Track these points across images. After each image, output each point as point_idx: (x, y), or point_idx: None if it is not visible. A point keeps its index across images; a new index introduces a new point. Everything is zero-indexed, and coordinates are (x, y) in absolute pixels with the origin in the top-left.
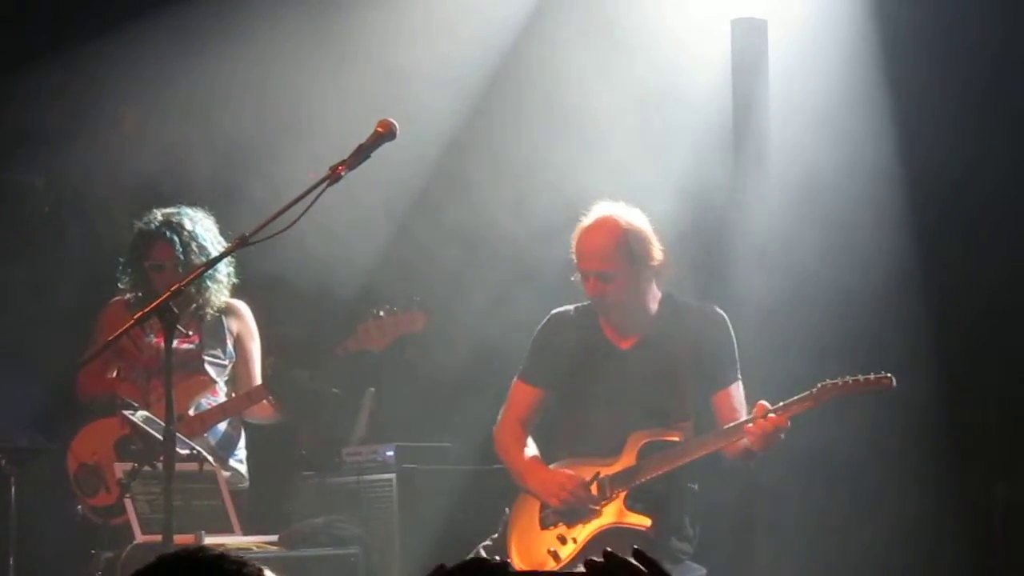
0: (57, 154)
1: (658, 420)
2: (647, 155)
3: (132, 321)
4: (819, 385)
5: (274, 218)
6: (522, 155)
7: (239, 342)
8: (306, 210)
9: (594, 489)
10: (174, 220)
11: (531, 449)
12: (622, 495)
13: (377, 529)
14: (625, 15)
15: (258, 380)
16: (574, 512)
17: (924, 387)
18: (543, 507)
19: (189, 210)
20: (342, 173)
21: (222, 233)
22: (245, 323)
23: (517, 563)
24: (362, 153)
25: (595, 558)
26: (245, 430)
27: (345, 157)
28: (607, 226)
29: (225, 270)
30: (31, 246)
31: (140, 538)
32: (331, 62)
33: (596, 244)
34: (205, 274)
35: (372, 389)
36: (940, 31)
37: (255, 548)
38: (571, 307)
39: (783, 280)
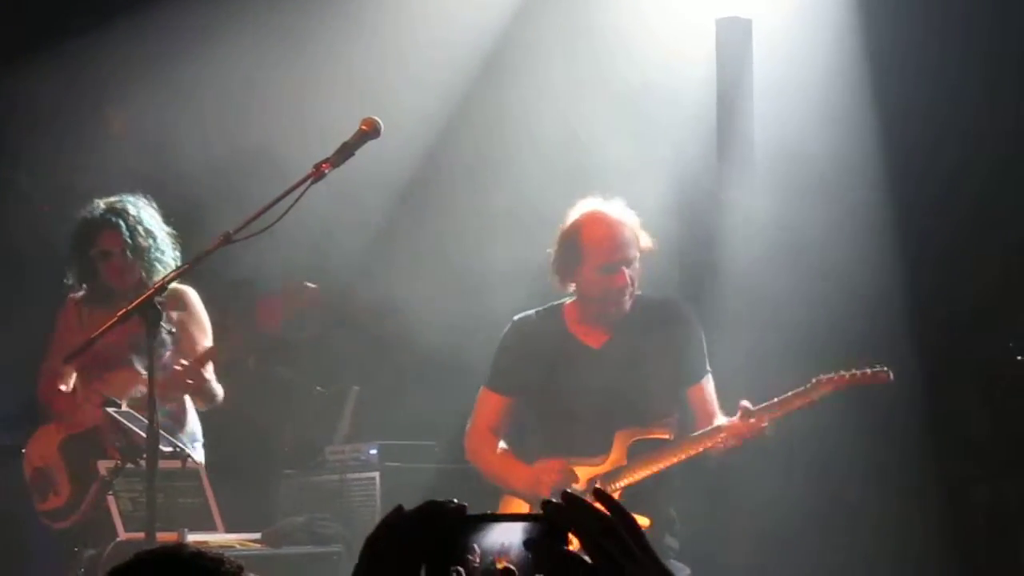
0: (41, 151)
1: (641, 417)
2: (632, 154)
3: (115, 318)
4: (814, 380)
5: (257, 216)
6: (506, 154)
7: (181, 329)
8: (289, 208)
9: (585, 486)
10: (118, 207)
11: (509, 452)
12: (616, 495)
13: (360, 527)
14: (610, 14)
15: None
16: None
17: (906, 388)
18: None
19: (131, 197)
20: (326, 171)
21: (209, 233)
22: (189, 310)
23: None
24: (346, 151)
25: (555, 500)
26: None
27: (329, 155)
28: (618, 218)
29: (171, 254)
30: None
31: (123, 535)
32: (315, 61)
33: (618, 234)
34: (151, 260)
35: (356, 387)
36: (925, 29)
37: (238, 546)
38: (532, 312)
39: (767, 277)
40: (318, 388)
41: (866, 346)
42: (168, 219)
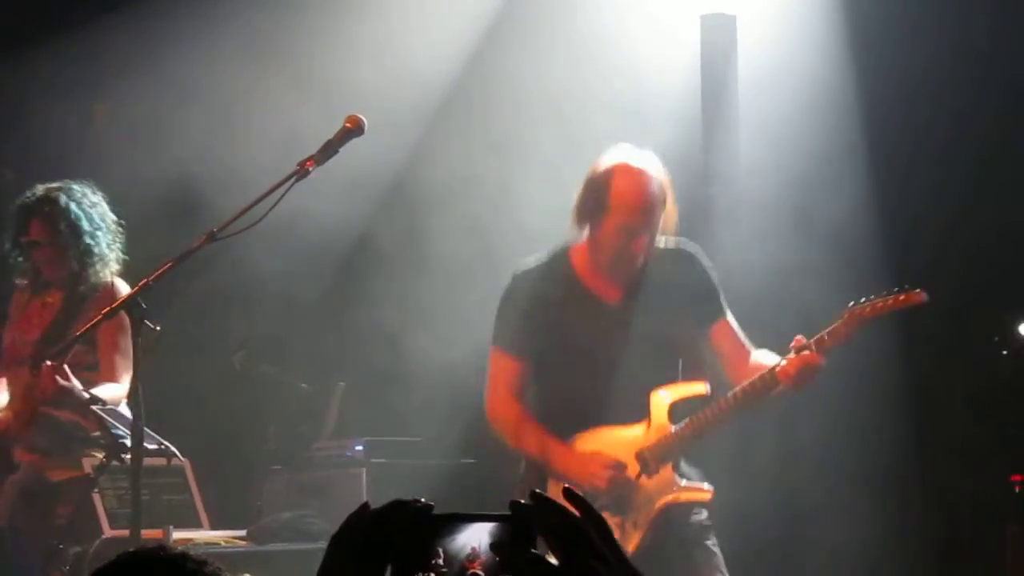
0: (26, 146)
1: (672, 372)
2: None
3: (99, 316)
4: (847, 311)
5: (241, 214)
6: (492, 154)
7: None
8: (273, 206)
9: (636, 464)
10: (51, 195)
11: (543, 424)
12: (669, 467)
13: None
14: (594, 11)
15: (114, 367)
16: (619, 495)
17: (893, 382)
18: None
19: (75, 185)
20: (310, 168)
21: (188, 232)
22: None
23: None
24: (330, 149)
25: (522, 500)
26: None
27: (313, 152)
28: (653, 178)
29: (110, 246)
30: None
31: (108, 533)
32: (293, 65)
33: (647, 196)
34: (83, 251)
35: (342, 383)
36: (909, 24)
37: (223, 543)
38: (533, 264)
39: (752, 272)
40: (303, 385)
41: (850, 344)
42: (161, 213)
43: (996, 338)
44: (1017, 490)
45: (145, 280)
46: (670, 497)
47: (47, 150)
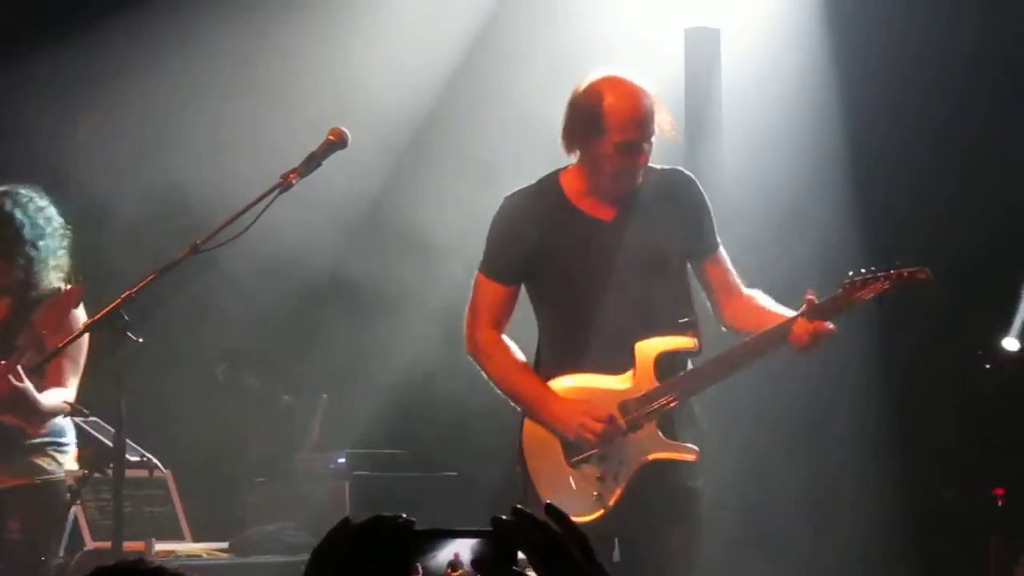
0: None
1: (660, 318)
2: None
3: (83, 328)
4: (846, 283)
5: (225, 225)
6: (475, 166)
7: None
8: (257, 218)
9: (621, 416)
10: None
11: (526, 363)
12: (655, 423)
13: None
14: (578, 24)
15: (61, 372)
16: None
17: (876, 391)
18: (563, 440)
19: (22, 189)
20: (293, 181)
21: (172, 243)
22: (58, 312)
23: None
24: (313, 161)
25: (504, 516)
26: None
27: (296, 165)
28: (645, 92)
29: (56, 251)
30: None
31: (90, 544)
32: (283, 71)
33: (643, 110)
34: (32, 256)
35: (325, 396)
36: (892, 39)
37: (205, 555)
38: (523, 189)
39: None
40: (286, 397)
41: (836, 354)
42: (148, 222)
43: (979, 351)
44: (1000, 502)
45: (128, 292)
46: (653, 455)
47: (33, 158)
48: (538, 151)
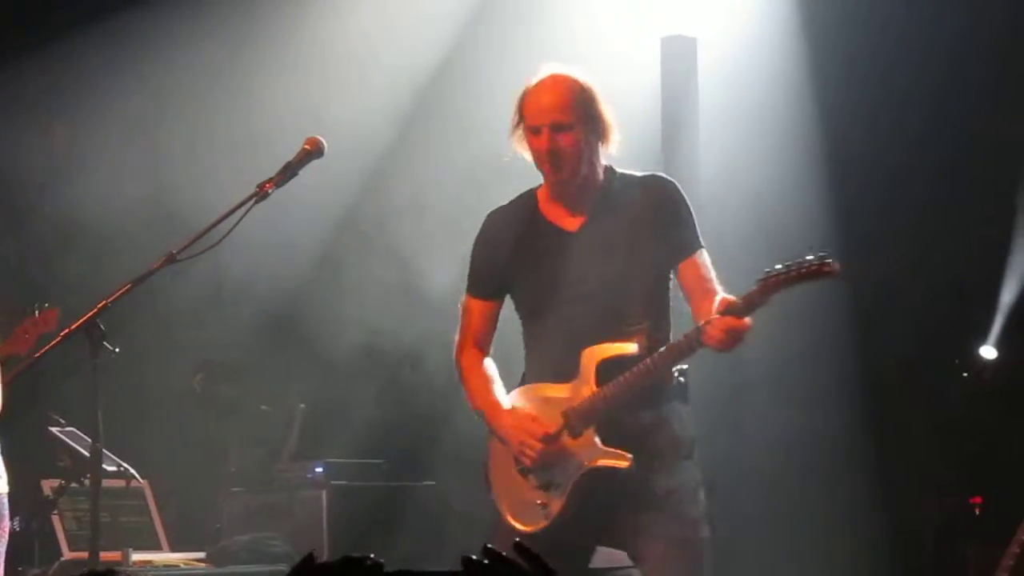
0: None
1: (612, 324)
2: None
3: (59, 338)
4: (759, 282)
5: (201, 235)
6: (453, 172)
7: None
8: (233, 227)
9: (562, 425)
10: None
11: (493, 377)
12: (592, 430)
13: (306, 546)
14: (554, 32)
15: None
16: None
17: (853, 405)
18: None
19: None
20: (269, 190)
21: (154, 251)
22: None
23: (511, 523)
24: (289, 171)
25: (474, 556)
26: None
27: (272, 174)
28: (562, 80)
29: None
30: None
31: (67, 554)
32: (262, 78)
33: (551, 96)
34: None
35: (302, 405)
36: (867, 46)
37: (182, 565)
38: (505, 203)
39: None
40: (263, 407)
41: (813, 368)
42: (127, 231)
43: (958, 360)
44: (978, 511)
45: (104, 301)
46: (586, 465)
47: (13, 169)
48: (514, 163)
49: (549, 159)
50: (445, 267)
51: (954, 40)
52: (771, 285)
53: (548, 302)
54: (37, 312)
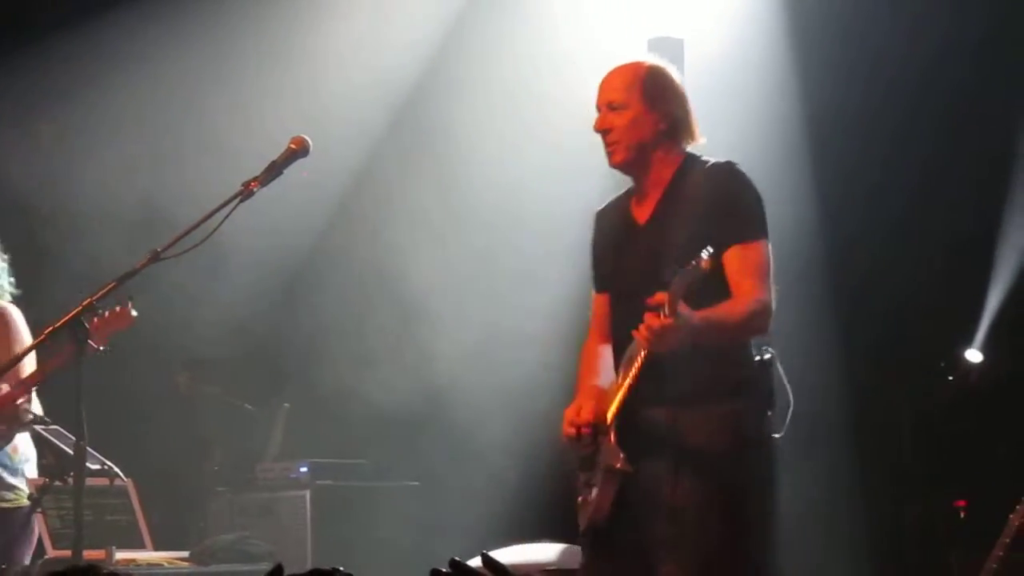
0: None
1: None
2: (561, 175)
3: (43, 335)
4: (676, 277)
5: (186, 233)
6: (435, 176)
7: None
8: (218, 226)
9: (600, 423)
10: None
11: (596, 363)
12: (613, 427)
13: (289, 546)
14: (541, 33)
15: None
16: (584, 454)
17: (835, 404)
18: None
19: None
20: (254, 189)
21: (139, 249)
22: (8, 328)
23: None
24: (274, 170)
25: (443, 569)
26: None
27: (258, 173)
28: (628, 63)
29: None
30: None
31: (51, 552)
32: (248, 80)
33: (610, 76)
34: None
35: (287, 405)
36: (854, 52)
37: (166, 564)
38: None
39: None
40: (247, 406)
41: (794, 368)
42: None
43: (943, 363)
44: (962, 515)
45: (88, 299)
46: (603, 464)
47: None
48: (503, 166)
49: (604, 139)
50: (423, 270)
51: (938, 41)
52: (678, 282)
53: (620, 294)
54: (106, 312)
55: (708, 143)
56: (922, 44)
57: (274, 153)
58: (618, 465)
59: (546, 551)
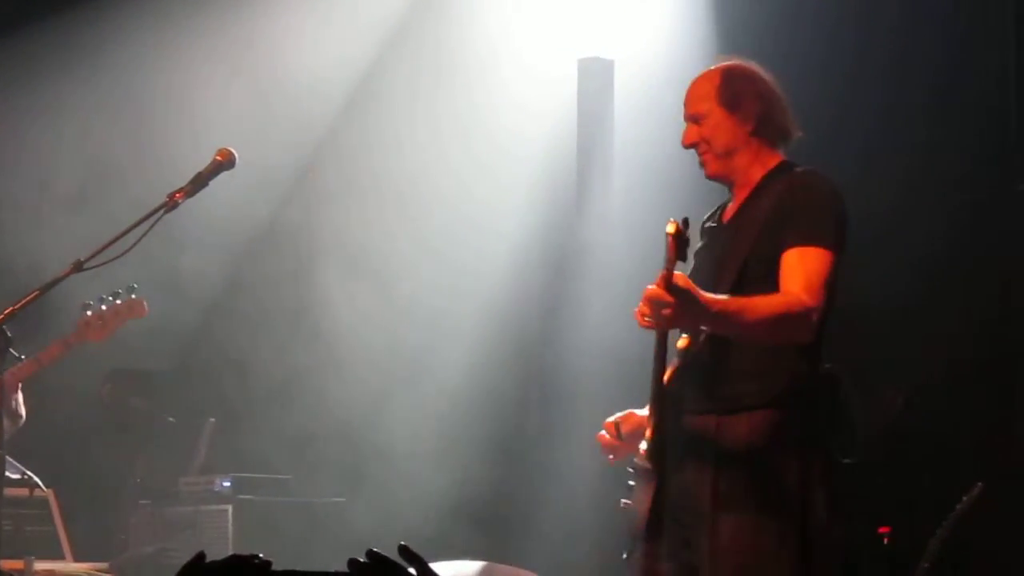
0: None
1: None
2: (492, 194)
3: None
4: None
5: (109, 244)
6: (367, 197)
7: None
8: (142, 237)
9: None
10: None
11: None
12: (651, 429)
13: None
14: (472, 53)
15: None
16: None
17: None
18: None
19: None
20: (179, 200)
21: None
22: None
23: None
24: (200, 181)
25: (359, 558)
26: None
27: (184, 184)
28: (705, 72)
29: None
30: None
31: None
32: (180, 93)
33: (691, 88)
34: None
35: (212, 419)
36: (785, 72)
37: (85, 575)
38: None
39: (628, 320)
40: (171, 419)
41: None
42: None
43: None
44: (885, 541)
45: (11, 308)
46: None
47: None
48: (431, 184)
49: (697, 153)
50: (363, 280)
51: (884, 61)
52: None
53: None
54: (118, 300)
55: (639, 162)
56: (867, 60)
57: (204, 162)
58: (650, 465)
59: (464, 569)
